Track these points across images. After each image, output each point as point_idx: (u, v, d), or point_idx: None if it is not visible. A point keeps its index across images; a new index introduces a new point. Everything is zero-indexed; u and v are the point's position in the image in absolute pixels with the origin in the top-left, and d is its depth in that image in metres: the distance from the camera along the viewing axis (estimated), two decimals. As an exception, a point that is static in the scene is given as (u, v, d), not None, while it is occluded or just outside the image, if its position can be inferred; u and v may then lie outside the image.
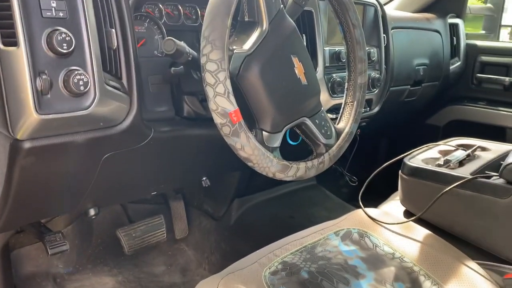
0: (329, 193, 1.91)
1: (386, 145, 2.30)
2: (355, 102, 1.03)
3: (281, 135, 0.88)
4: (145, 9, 1.05)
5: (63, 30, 0.72)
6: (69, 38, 0.72)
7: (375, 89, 1.51)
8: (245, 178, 1.61)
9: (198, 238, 1.66)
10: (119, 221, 1.51)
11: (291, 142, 1.22)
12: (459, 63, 2.06)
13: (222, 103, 0.75)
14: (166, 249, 1.61)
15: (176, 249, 1.62)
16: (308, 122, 0.94)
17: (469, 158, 1.13)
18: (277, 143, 0.88)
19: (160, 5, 1.07)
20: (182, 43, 0.83)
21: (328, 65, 1.32)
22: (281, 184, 1.84)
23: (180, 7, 1.11)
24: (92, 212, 1.06)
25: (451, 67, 2.02)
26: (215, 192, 1.71)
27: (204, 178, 1.30)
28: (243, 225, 1.66)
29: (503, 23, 2.33)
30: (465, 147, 1.19)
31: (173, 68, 0.95)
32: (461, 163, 1.10)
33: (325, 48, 1.31)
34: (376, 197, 1.35)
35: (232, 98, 0.75)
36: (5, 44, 0.68)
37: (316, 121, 0.96)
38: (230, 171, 1.53)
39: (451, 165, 1.08)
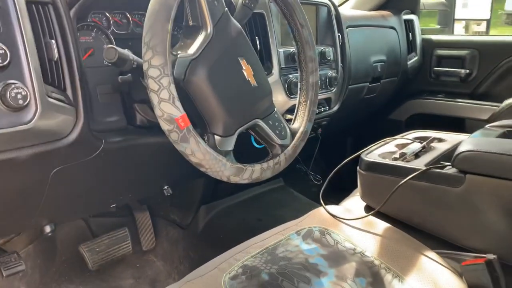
0: (297, 194, 1.92)
1: (350, 142, 2.32)
2: (308, 101, 1.04)
3: (233, 138, 0.88)
4: (92, 18, 1.03)
5: None
6: (3, 51, 0.70)
7: (333, 88, 1.52)
8: (211, 184, 1.60)
9: (166, 248, 1.63)
10: (82, 236, 1.47)
11: (257, 146, 1.22)
12: (416, 57, 2.11)
13: (167, 109, 0.74)
14: (134, 262, 1.58)
15: (144, 260, 1.59)
16: (261, 123, 0.94)
17: (425, 150, 1.15)
18: (230, 146, 0.87)
19: (107, 14, 1.05)
20: (125, 51, 0.81)
21: (283, 66, 1.32)
22: (248, 187, 1.83)
23: (128, 15, 1.09)
24: (47, 229, 1.03)
25: (408, 62, 2.07)
26: (180, 200, 1.69)
27: (165, 187, 1.28)
28: (211, 232, 1.65)
29: (456, 17, 2.39)
30: (421, 139, 1.21)
31: (120, 77, 0.93)
32: (416, 155, 1.11)
33: (280, 50, 1.31)
34: (339, 194, 1.36)
35: (177, 103, 0.74)
36: None
37: (270, 122, 0.96)
38: (192, 178, 1.51)
39: (407, 158, 1.10)
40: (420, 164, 1.04)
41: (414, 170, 1.00)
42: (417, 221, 1.05)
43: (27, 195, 0.89)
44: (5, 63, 0.70)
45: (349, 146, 2.32)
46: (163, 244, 1.63)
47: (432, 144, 1.19)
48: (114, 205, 1.18)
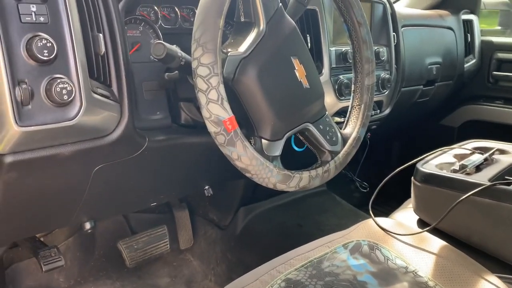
0: (340, 199, 1.84)
1: (399, 148, 2.23)
2: (363, 105, 0.98)
3: (281, 142, 0.83)
4: (140, 12, 1.00)
5: (44, 35, 0.67)
6: (50, 44, 0.67)
7: (385, 90, 1.45)
8: (251, 186, 1.56)
9: (204, 248, 1.61)
10: (121, 232, 1.47)
11: (296, 149, 1.17)
12: (474, 61, 1.99)
13: (215, 110, 0.70)
14: (171, 260, 1.56)
15: (181, 259, 1.57)
16: (312, 128, 0.89)
17: (487, 162, 1.06)
18: (278, 151, 0.83)
19: (156, 8, 1.03)
20: (173, 47, 0.78)
21: (334, 66, 1.26)
22: (289, 190, 1.78)
23: (177, 9, 1.06)
24: (88, 225, 1.01)
25: (465, 65, 1.95)
26: (220, 201, 1.66)
27: (206, 187, 1.26)
28: (250, 235, 1.61)
29: (520, 18, 2.24)
30: (482, 150, 1.13)
31: (167, 74, 0.90)
32: (478, 168, 1.03)
33: (331, 49, 1.25)
34: (388, 204, 1.29)
35: (226, 104, 0.70)
36: (-20, 52, 0.64)
37: (320, 126, 0.90)
38: (233, 179, 1.48)
39: (467, 170, 1.02)
40: (483, 178, 0.95)
41: (477, 185, 0.92)
42: (476, 241, 0.97)
43: (69, 192, 0.88)
44: (52, 57, 0.68)
45: (397, 151, 2.23)
46: (200, 243, 1.61)
47: (494, 156, 1.10)
48: (155, 203, 1.16)
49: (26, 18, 0.67)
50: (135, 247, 1.41)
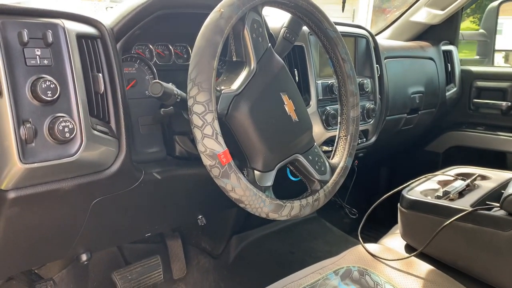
0: (330, 226, 1.87)
1: (387, 174, 2.27)
2: (349, 136, 1.02)
3: (273, 173, 0.87)
4: (135, 50, 1.05)
5: (48, 77, 0.71)
6: (53, 85, 0.71)
7: (370, 120, 1.50)
8: (243, 214, 1.58)
9: (197, 277, 1.61)
10: (115, 263, 1.47)
11: (292, 179, 1.20)
12: (455, 89, 2.06)
13: (210, 145, 0.73)
14: (164, 290, 1.56)
15: (175, 289, 1.58)
16: (301, 158, 0.93)
17: (469, 188, 1.11)
18: (269, 182, 0.86)
19: (150, 46, 1.07)
20: (169, 85, 0.82)
21: (321, 98, 1.31)
22: (280, 217, 1.80)
23: (170, 47, 1.11)
24: (84, 257, 1.03)
25: (447, 94, 2.02)
26: (212, 229, 1.67)
27: (199, 217, 1.28)
28: (242, 263, 1.62)
29: (496, 47, 2.34)
30: (464, 176, 1.17)
31: (162, 109, 0.94)
32: (460, 193, 1.07)
33: (318, 82, 1.30)
34: (378, 229, 1.31)
35: (220, 139, 0.74)
36: (-12, 94, 0.67)
37: (310, 157, 0.94)
38: (226, 209, 1.50)
39: (450, 196, 1.05)
40: (465, 204, 1.00)
41: (460, 210, 0.96)
42: (462, 265, 1.00)
43: (67, 225, 0.90)
44: (55, 97, 0.72)
45: (385, 178, 2.27)
46: (193, 273, 1.61)
47: (476, 182, 1.14)
48: (149, 234, 1.18)
49: (31, 62, 0.71)
50: (129, 278, 1.41)
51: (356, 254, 1.03)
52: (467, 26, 3.01)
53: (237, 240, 1.68)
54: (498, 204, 0.94)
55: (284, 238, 1.77)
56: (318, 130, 1.30)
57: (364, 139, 1.52)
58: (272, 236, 1.76)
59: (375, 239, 1.18)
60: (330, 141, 1.35)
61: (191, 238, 1.70)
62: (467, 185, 1.11)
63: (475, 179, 1.15)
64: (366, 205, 1.15)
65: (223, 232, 1.67)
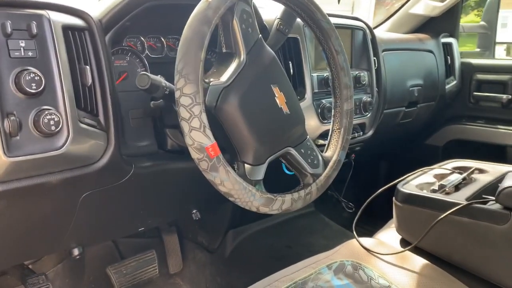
0: (328, 220, 1.86)
1: (385, 168, 2.26)
2: (342, 129, 1.00)
3: (264, 167, 0.85)
4: (127, 42, 1.04)
5: (32, 69, 0.70)
6: (38, 77, 0.70)
7: (367, 113, 1.48)
8: (239, 209, 1.56)
9: (193, 272, 1.61)
10: (110, 257, 1.47)
11: (288, 172, 1.19)
12: (454, 82, 2.04)
13: (198, 137, 0.72)
14: (160, 285, 1.56)
15: (171, 284, 1.57)
16: (293, 151, 0.91)
17: (466, 181, 1.09)
18: (260, 175, 0.85)
19: (142, 38, 1.06)
20: (158, 77, 0.81)
21: (316, 90, 1.30)
22: (277, 212, 1.79)
23: (162, 39, 1.10)
24: (76, 251, 1.02)
25: (447, 87, 2.00)
26: (209, 224, 1.67)
27: (194, 211, 1.27)
28: (239, 257, 1.61)
29: (497, 40, 2.31)
30: (461, 169, 1.15)
31: (152, 102, 0.93)
32: (456, 187, 1.06)
33: (313, 74, 1.29)
34: (374, 223, 1.30)
35: (208, 132, 0.73)
36: (-30, 87, 0.66)
37: (302, 150, 0.93)
38: (220, 203, 1.49)
39: (446, 190, 1.04)
40: (461, 197, 0.98)
41: (455, 204, 0.95)
42: (457, 259, 0.99)
43: (57, 219, 0.90)
44: (39, 89, 0.71)
45: (383, 171, 2.25)
46: (190, 267, 1.61)
47: (473, 176, 1.13)
48: (143, 228, 1.18)
49: (15, 53, 0.70)
50: (124, 272, 1.41)
51: (350, 248, 1.03)
52: (471, 20, 2.97)
53: (233, 235, 1.67)
54: (493, 198, 0.93)
55: (281, 232, 1.76)
56: (313, 123, 1.29)
57: (361, 133, 1.50)
58: (269, 230, 1.75)
59: (371, 233, 1.17)
60: (326, 135, 1.32)
61: (188, 233, 1.69)
62: (464, 179, 1.09)
63: (472, 173, 1.13)
64: (364, 199, 1.13)
65: (220, 226, 1.67)
